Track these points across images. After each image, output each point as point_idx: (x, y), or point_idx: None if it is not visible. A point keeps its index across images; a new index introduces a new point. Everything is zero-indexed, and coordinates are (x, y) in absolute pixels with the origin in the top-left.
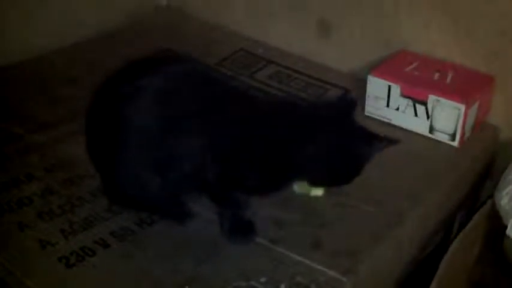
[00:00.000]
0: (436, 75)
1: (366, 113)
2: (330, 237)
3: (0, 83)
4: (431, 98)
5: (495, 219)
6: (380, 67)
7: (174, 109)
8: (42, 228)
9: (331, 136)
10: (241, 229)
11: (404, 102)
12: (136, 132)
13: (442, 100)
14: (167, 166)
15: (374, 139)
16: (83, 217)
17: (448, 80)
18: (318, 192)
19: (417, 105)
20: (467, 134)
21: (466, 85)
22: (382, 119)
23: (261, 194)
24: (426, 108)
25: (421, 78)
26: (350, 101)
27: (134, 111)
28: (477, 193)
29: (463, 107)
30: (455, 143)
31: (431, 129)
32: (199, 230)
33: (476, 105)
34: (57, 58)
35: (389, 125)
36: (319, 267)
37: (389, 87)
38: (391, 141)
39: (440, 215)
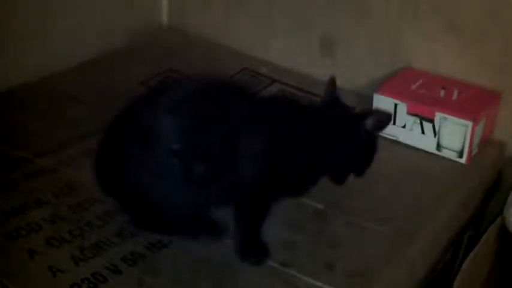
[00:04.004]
0: (442, 92)
1: None
2: (341, 258)
3: (6, 106)
4: (438, 116)
5: (505, 237)
6: (386, 85)
7: (209, 117)
8: (53, 255)
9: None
10: (254, 250)
11: (411, 120)
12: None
13: (449, 117)
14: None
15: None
16: (93, 242)
17: (454, 97)
18: None
19: (424, 123)
20: (474, 151)
21: (472, 102)
22: (389, 136)
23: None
24: (433, 126)
25: (427, 96)
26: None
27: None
28: (485, 209)
29: (470, 124)
30: (463, 160)
31: (439, 147)
32: (209, 254)
33: (483, 122)
34: (61, 80)
35: (396, 142)
36: None
37: (396, 105)
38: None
39: (449, 233)
